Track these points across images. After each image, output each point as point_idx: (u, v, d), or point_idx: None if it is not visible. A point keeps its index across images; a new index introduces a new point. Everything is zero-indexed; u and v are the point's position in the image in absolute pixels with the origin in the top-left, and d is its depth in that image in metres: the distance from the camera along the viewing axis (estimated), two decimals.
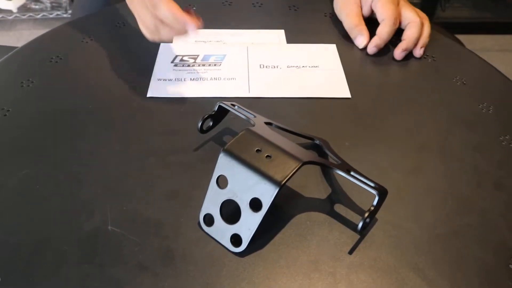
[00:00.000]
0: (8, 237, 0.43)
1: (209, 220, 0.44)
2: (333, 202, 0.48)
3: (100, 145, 0.53)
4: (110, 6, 0.77)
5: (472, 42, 1.95)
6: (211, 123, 0.53)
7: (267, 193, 0.41)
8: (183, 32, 0.55)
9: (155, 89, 0.60)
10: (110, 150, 0.52)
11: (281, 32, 0.72)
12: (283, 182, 0.41)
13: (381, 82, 0.65)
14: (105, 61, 0.54)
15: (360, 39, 0.69)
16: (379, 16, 0.68)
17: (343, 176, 0.45)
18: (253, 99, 0.59)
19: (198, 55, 0.66)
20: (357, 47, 0.69)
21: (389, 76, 0.66)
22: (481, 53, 0.73)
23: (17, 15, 1.99)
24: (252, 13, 0.76)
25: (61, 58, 0.65)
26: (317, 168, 0.51)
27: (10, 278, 0.40)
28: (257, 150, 0.44)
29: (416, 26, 0.67)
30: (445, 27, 1.04)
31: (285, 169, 0.42)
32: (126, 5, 0.73)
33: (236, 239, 0.43)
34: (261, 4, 0.77)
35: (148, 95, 0.59)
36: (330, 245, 0.44)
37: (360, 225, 0.43)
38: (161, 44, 0.67)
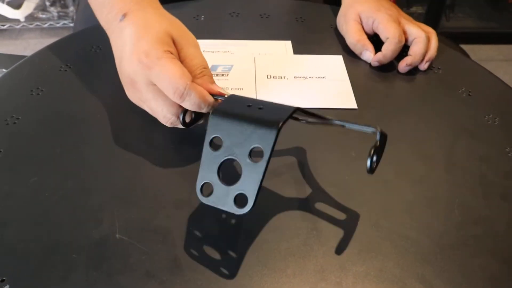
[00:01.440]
0: (17, 244, 0.44)
1: (207, 189, 0.42)
2: (340, 213, 0.48)
3: (108, 154, 0.53)
4: None
5: (477, 52, 1.96)
6: (193, 115, 0.50)
7: (267, 138, 0.40)
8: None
9: None
10: (118, 158, 0.53)
11: (288, 43, 0.72)
12: (281, 123, 0.40)
13: (387, 93, 0.65)
14: (113, 70, 0.55)
15: (366, 54, 0.69)
16: (383, 36, 0.68)
17: (340, 125, 0.45)
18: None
19: None
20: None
21: (395, 87, 0.66)
22: (485, 63, 0.73)
23: (25, 24, 2.01)
24: (259, 24, 0.77)
25: (70, 67, 0.65)
26: (323, 179, 0.51)
27: (19, 285, 0.41)
28: (248, 105, 0.43)
29: (422, 42, 0.67)
30: (449, 37, 1.05)
31: (280, 114, 0.41)
32: None
33: (240, 200, 0.41)
34: (269, 15, 0.78)
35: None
36: (337, 255, 0.44)
37: (368, 163, 0.41)
38: None
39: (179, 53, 0.50)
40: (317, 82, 0.64)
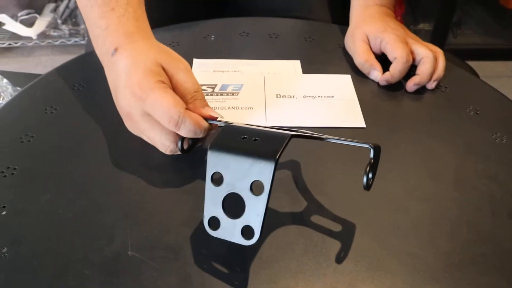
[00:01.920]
0: (31, 260, 0.45)
1: (214, 223, 0.44)
2: (348, 230, 0.48)
3: (121, 172, 0.54)
4: None
5: (484, 68, 1.96)
6: (190, 141, 0.52)
7: (265, 172, 0.41)
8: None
9: None
10: (130, 176, 0.54)
11: (297, 63, 0.73)
12: (278, 155, 0.41)
13: (394, 112, 0.66)
14: None
15: (374, 73, 0.70)
16: (391, 56, 0.69)
17: (334, 142, 0.46)
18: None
19: (216, 85, 0.67)
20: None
21: (403, 106, 0.67)
22: (492, 79, 0.74)
23: (37, 41, 2.05)
24: (268, 43, 0.78)
25: (83, 86, 0.67)
26: (331, 196, 0.52)
27: None
28: (243, 137, 0.44)
29: (429, 62, 0.67)
30: (456, 54, 1.06)
31: (275, 145, 0.42)
32: None
33: (247, 232, 0.42)
34: (278, 35, 0.79)
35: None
36: (346, 273, 0.44)
37: (365, 180, 0.43)
38: None
39: (171, 80, 0.51)
40: (326, 101, 0.65)
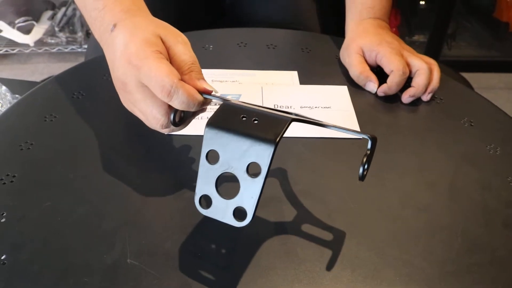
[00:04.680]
0: (31, 267, 0.45)
1: (206, 201, 0.43)
2: (345, 240, 0.49)
3: (120, 179, 0.55)
4: None
5: (478, 80, 1.97)
6: (182, 114, 0.50)
7: (264, 154, 0.40)
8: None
9: None
10: (129, 184, 0.54)
11: (295, 73, 0.74)
12: (278, 139, 0.40)
13: (390, 123, 0.67)
14: None
15: (370, 85, 0.71)
16: (387, 69, 0.70)
17: (333, 129, 0.45)
18: None
19: None
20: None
21: (398, 117, 0.68)
22: (487, 91, 0.75)
23: (34, 49, 2.05)
24: (266, 54, 0.79)
25: (83, 94, 0.67)
26: (328, 206, 0.52)
27: None
28: (243, 117, 0.42)
29: (424, 73, 0.68)
30: (451, 66, 1.07)
31: (276, 128, 0.41)
32: None
33: (239, 213, 0.41)
34: (275, 46, 0.80)
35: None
36: (343, 281, 0.45)
37: (361, 171, 0.43)
38: None
39: (168, 51, 0.50)
40: (323, 112, 0.66)
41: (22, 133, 0.60)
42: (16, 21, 2.00)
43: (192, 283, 0.44)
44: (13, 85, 1.08)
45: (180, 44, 0.51)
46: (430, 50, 2.04)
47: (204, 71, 0.72)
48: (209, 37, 0.81)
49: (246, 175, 0.41)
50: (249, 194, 0.41)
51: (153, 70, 0.46)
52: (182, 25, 0.84)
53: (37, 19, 2.06)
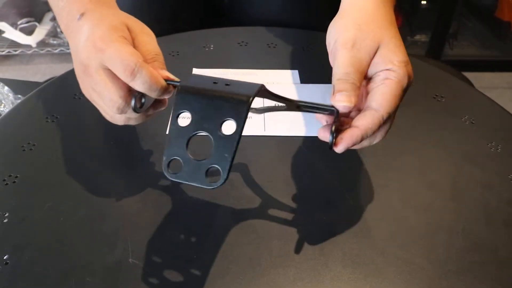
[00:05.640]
0: (33, 268, 0.45)
1: (175, 166, 0.40)
2: (346, 238, 0.49)
3: (121, 180, 0.55)
4: None
5: (480, 79, 1.97)
6: (143, 100, 0.48)
7: (239, 110, 0.39)
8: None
9: None
10: (131, 185, 0.54)
11: (295, 72, 0.74)
12: (252, 97, 0.39)
13: None
14: None
15: (341, 97, 0.44)
16: (369, 101, 0.46)
17: (300, 104, 0.44)
18: (268, 137, 0.61)
19: None
20: None
21: (399, 116, 0.67)
22: (489, 90, 0.75)
23: (36, 49, 2.05)
24: (267, 53, 0.79)
25: (83, 95, 0.67)
26: (329, 205, 0.52)
27: None
28: (214, 82, 0.42)
29: (375, 117, 0.46)
30: (453, 65, 1.07)
31: (248, 90, 0.40)
32: None
33: (212, 174, 0.39)
34: (276, 45, 0.80)
35: (168, 132, 0.61)
36: (344, 280, 0.45)
37: (330, 139, 0.43)
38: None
39: (133, 40, 0.50)
40: None
41: (24, 134, 0.60)
42: (19, 22, 2.01)
43: (194, 283, 0.44)
44: (16, 86, 1.08)
45: (146, 35, 0.51)
46: (432, 49, 2.04)
47: (204, 70, 0.73)
48: (210, 37, 0.81)
49: (220, 133, 0.39)
50: (223, 151, 0.39)
51: (117, 52, 0.46)
52: (180, 25, 0.84)
53: (39, 20, 2.07)
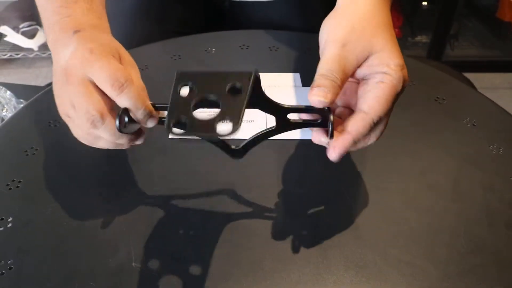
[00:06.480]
0: (36, 271, 0.46)
1: (179, 126, 0.38)
2: (348, 241, 0.49)
3: (124, 184, 0.55)
4: (132, 50, 0.80)
5: (481, 80, 1.97)
6: (127, 120, 0.45)
7: (245, 77, 0.38)
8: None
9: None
10: (133, 189, 0.54)
11: (297, 75, 0.74)
12: (255, 70, 0.39)
13: (392, 124, 0.66)
14: None
15: (318, 91, 0.44)
16: (359, 103, 0.46)
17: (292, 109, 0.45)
18: (270, 141, 0.61)
19: None
20: None
21: (400, 118, 0.68)
22: (490, 91, 0.75)
23: (38, 53, 2.06)
24: (268, 56, 0.79)
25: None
26: (330, 208, 0.53)
27: None
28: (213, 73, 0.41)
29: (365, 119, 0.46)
30: (454, 66, 1.07)
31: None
32: (149, 48, 0.77)
33: (221, 128, 0.37)
34: (277, 48, 0.81)
35: (170, 136, 0.62)
36: (346, 283, 0.45)
37: (330, 129, 0.44)
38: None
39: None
40: None
41: (27, 139, 0.61)
42: (20, 26, 2.01)
43: (197, 287, 0.44)
44: (18, 90, 1.08)
45: (133, 68, 0.50)
46: (433, 50, 2.04)
47: None
48: (211, 40, 0.82)
49: (227, 95, 0.38)
50: (233, 106, 0.37)
51: (107, 65, 0.45)
52: (181, 29, 0.85)
53: (41, 23, 2.07)
